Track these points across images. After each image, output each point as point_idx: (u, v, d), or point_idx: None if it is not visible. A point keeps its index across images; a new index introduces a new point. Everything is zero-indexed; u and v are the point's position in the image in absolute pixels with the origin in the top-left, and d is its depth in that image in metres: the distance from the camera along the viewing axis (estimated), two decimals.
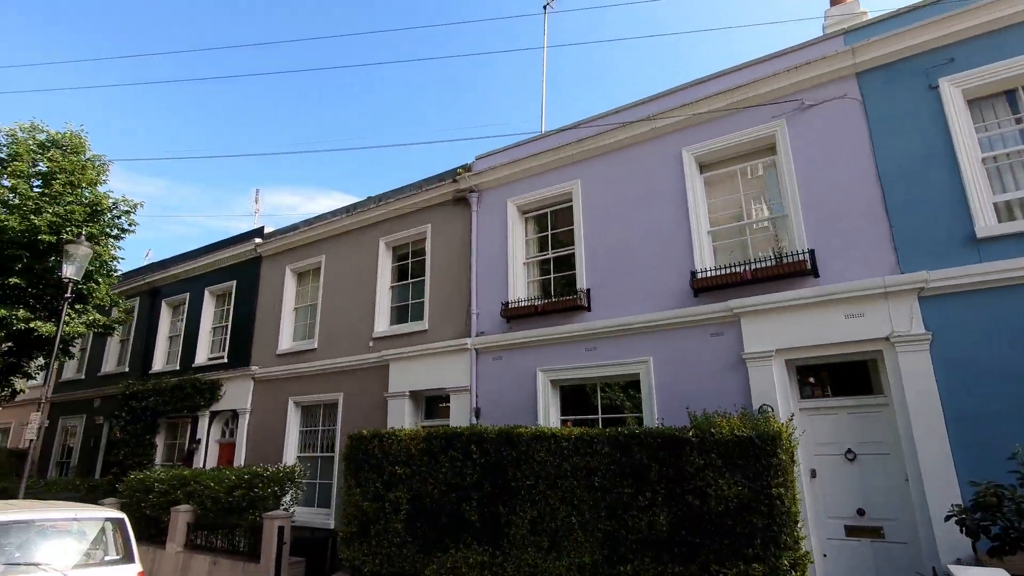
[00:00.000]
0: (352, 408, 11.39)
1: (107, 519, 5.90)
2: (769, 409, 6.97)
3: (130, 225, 13.39)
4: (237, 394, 13.33)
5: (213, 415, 13.80)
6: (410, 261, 11.90)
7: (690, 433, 5.44)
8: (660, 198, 8.89)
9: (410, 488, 6.89)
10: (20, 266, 12.00)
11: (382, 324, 11.66)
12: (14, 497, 11.34)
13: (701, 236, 8.42)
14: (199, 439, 13.65)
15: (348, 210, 12.90)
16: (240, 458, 12.75)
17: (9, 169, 12.08)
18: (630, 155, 9.38)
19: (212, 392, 13.64)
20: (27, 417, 19.15)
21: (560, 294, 9.47)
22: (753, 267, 7.71)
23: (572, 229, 9.72)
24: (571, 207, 9.84)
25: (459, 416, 9.76)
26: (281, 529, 7.93)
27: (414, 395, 10.69)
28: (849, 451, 6.83)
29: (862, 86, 7.68)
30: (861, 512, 6.59)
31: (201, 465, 13.22)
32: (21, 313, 11.85)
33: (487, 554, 6.18)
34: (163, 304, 16.38)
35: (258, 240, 14.32)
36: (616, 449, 5.74)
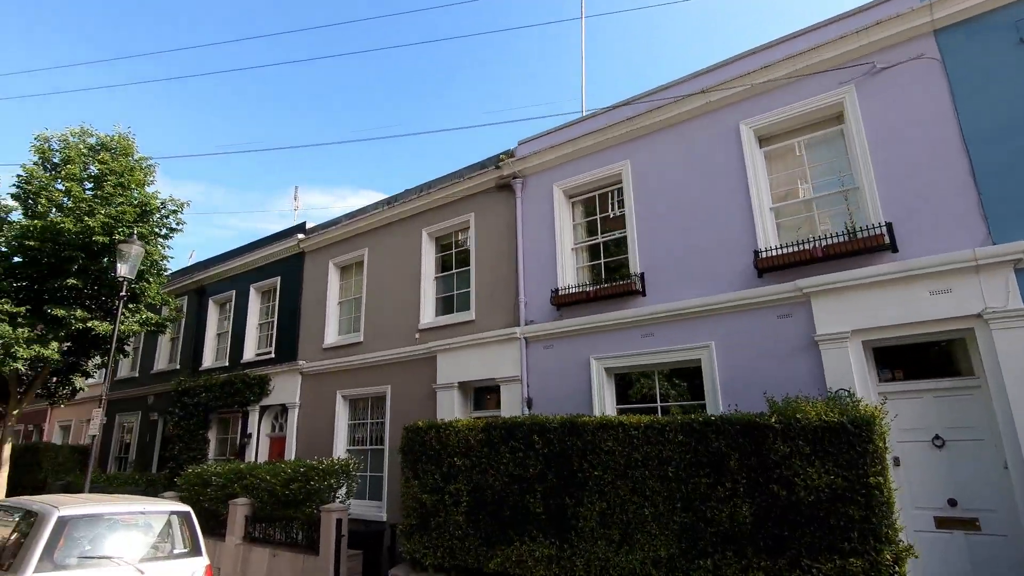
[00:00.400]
0: (400, 400, 11.33)
1: (174, 512, 5.90)
2: (846, 394, 6.54)
3: (178, 224, 13.61)
4: (285, 388, 13.45)
5: (263, 410, 13.98)
6: (454, 251, 11.74)
7: (772, 419, 5.09)
8: (717, 175, 8.47)
9: (470, 480, 6.72)
10: (76, 267, 12.32)
11: (428, 315, 11.54)
12: (80, 491, 11.70)
13: (763, 213, 7.98)
14: (250, 433, 13.85)
15: (389, 202, 12.81)
16: (291, 452, 12.87)
17: (63, 173, 12.39)
18: (683, 132, 8.97)
19: (261, 387, 13.81)
20: (87, 415, 19.89)
21: (612, 279, 9.15)
22: (824, 243, 7.25)
23: (623, 212, 9.39)
24: (621, 189, 9.50)
25: (510, 407, 9.56)
26: (339, 522, 7.89)
27: (463, 386, 10.54)
28: (937, 437, 6.35)
29: (941, 44, 7.11)
30: (952, 503, 6.12)
31: (253, 459, 13.40)
32: (79, 313, 12.17)
33: (554, 547, 5.97)
34: (210, 302, 16.68)
35: (300, 236, 14.39)
36: (690, 437, 5.43)
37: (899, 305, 6.61)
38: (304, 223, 14.83)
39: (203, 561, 5.73)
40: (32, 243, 11.71)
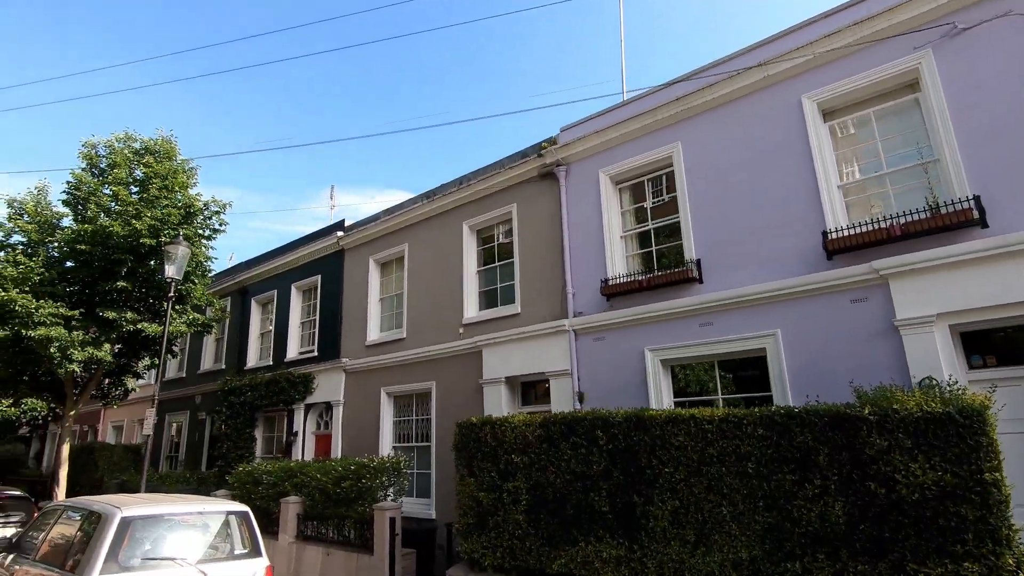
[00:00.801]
0: (446, 396, 11.16)
1: (232, 512, 5.81)
2: (933, 382, 6.03)
3: (221, 225, 13.73)
4: (329, 386, 13.45)
5: (308, 408, 14.02)
6: (496, 243, 11.49)
7: (865, 411, 4.67)
8: (777, 153, 7.99)
9: (529, 477, 6.46)
10: (125, 270, 12.53)
11: (471, 310, 11.33)
12: (135, 489, 11.92)
13: (831, 191, 7.48)
14: (296, 431, 13.91)
15: (429, 196, 12.64)
16: (337, 449, 12.86)
17: (110, 178, 12.60)
18: (739, 109, 8.50)
19: (305, 385, 13.85)
20: (138, 415, 20.40)
21: (665, 267, 8.76)
22: (902, 221, 6.73)
23: (675, 196, 8.97)
24: (672, 172, 9.08)
25: (561, 401, 9.27)
26: (393, 520, 7.74)
27: (510, 381, 10.30)
28: None
29: None
30: None
31: (299, 457, 13.46)
32: (129, 315, 12.38)
33: (622, 548, 5.66)
34: (252, 302, 16.85)
35: (340, 233, 14.36)
36: (772, 431, 5.05)
37: (991, 285, 6.06)
38: (343, 221, 14.80)
39: (263, 562, 5.62)
40: (83, 247, 11.94)
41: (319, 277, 14.89)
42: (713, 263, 8.27)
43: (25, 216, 13.26)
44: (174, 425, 18.91)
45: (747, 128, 8.35)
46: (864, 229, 6.98)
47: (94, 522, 5.21)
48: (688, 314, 8.28)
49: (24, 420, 25.65)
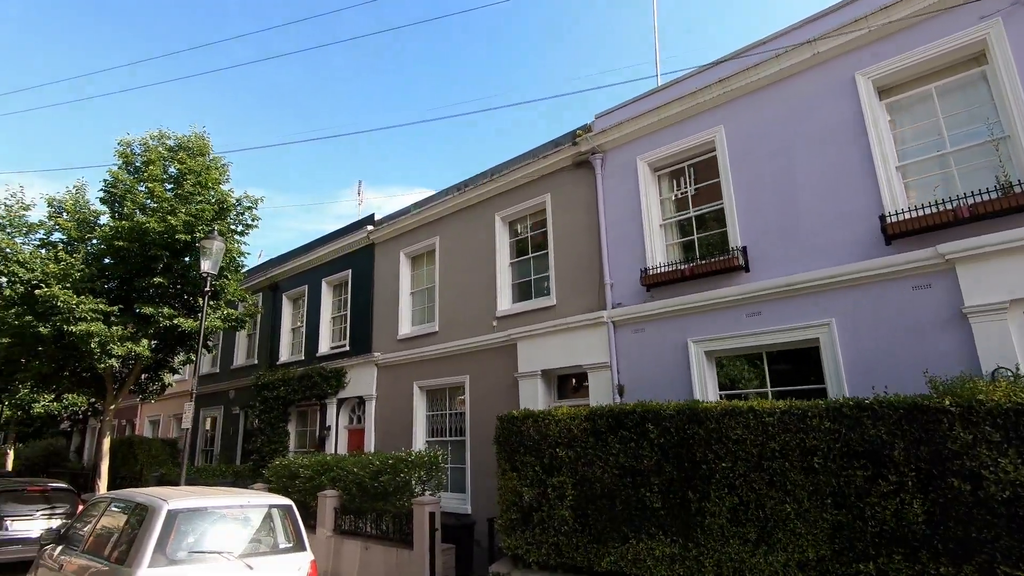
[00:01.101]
0: (480, 390, 11.01)
1: (276, 506, 5.74)
2: (1008, 373, 5.65)
3: (253, 220, 13.80)
4: (362, 381, 13.43)
5: (340, 402, 14.03)
6: (529, 234, 11.28)
7: (946, 402, 4.35)
8: (829, 134, 7.61)
9: (574, 472, 6.26)
10: (161, 266, 12.66)
11: (505, 302, 11.15)
12: (174, 482, 12.05)
13: (889, 173, 7.09)
14: (329, 426, 13.93)
15: (460, 188, 12.48)
16: (370, 444, 12.84)
17: (145, 175, 12.73)
18: (786, 89, 8.13)
19: (337, 379, 13.85)
20: (173, 410, 20.75)
21: (708, 255, 8.45)
22: (970, 202, 6.32)
23: (718, 182, 8.64)
24: (715, 157, 8.75)
25: (599, 394, 9.04)
26: (432, 515, 7.62)
27: (546, 374, 10.10)
28: None
29: None
30: None
31: (332, 451, 13.47)
32: (166, 311, 12.51)
33: (676, 546, 5.43)
34: (283, 297, 16.95)
35: (370, 227, 14.31)
36: (840, 424, 4.75)
37: None
38: (372, 215, 14.75)
39: (308, 556, 5.54)
40: (121, 243, 12.09)
41: (349, 272, 14.88)
42: (760, 250, 7.94)
43: (64, 214, 13.50)
44: (208, 419, 19.19)
45: (796, 109, 7.99)
46: (927, 212, 6.59)
47: (140, 514, 5.18)
48: (734, 304, 7.96)
49: (65, 415, 26.39)
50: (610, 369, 9.04)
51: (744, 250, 8.03)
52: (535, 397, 9.91)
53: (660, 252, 9.11)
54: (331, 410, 14.06)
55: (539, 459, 6.55)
